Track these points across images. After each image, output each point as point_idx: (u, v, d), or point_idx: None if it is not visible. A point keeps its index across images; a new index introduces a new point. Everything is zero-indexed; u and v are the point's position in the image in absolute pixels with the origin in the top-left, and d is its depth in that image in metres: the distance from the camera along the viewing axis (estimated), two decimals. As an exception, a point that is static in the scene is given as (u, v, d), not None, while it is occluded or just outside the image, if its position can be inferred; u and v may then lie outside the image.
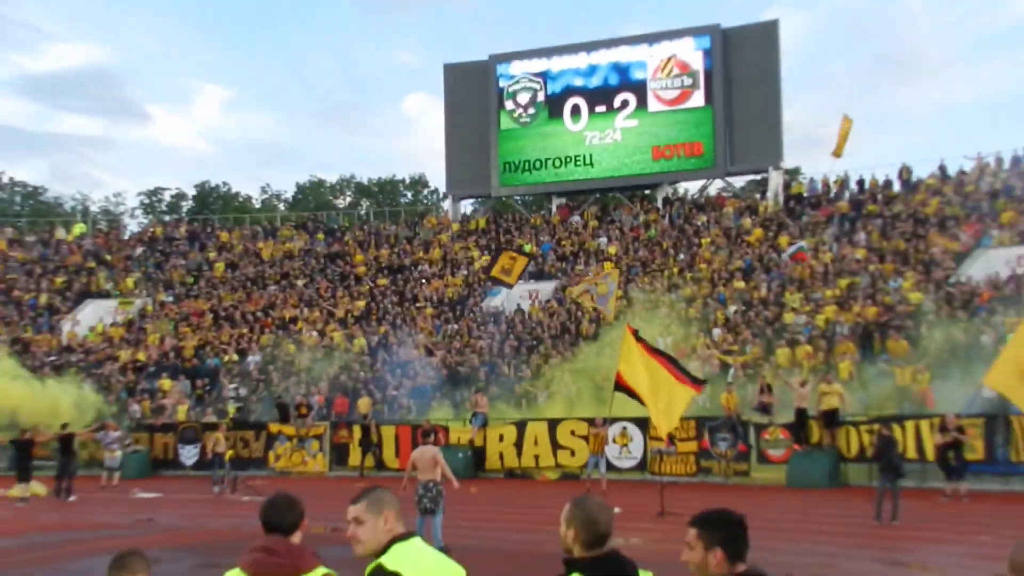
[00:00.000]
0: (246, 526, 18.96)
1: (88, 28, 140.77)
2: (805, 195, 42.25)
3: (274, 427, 30.32)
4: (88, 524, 20.32)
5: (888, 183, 40.41)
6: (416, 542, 4.23)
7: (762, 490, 23.01)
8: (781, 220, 39.73)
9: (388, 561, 4.03)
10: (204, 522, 20.38)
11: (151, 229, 54.60)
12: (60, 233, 51.75)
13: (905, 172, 40.34)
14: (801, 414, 24.27)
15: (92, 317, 42.18)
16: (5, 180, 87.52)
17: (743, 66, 43.25)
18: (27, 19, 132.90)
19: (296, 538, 4.79)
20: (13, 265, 46.85)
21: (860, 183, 40.89)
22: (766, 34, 43.93)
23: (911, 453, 22.41)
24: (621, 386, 19.54)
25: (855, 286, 32.30)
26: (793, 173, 50.34)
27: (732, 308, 33.03)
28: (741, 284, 34.63)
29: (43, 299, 43.56)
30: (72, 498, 24.48)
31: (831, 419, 24.07)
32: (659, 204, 44.70)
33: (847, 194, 40.41)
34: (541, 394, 30.76)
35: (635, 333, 19.72)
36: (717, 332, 31.71)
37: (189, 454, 30.83)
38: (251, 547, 4.72)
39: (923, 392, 26.00)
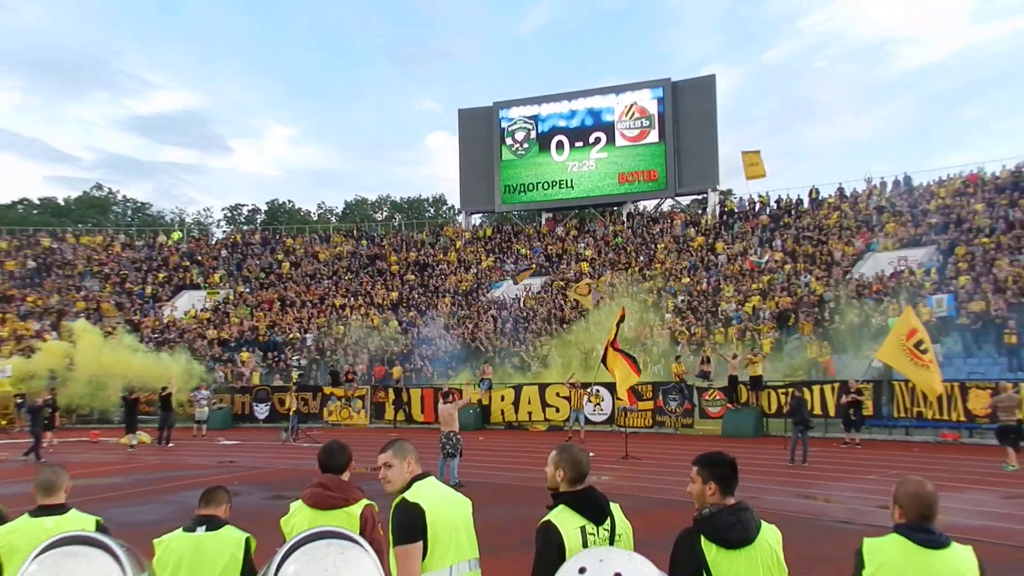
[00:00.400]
0: (306, 466, 18.96)
1: (185, 79, 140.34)
2: (736, 211, 42.11)
3: (327, 389, 30.24)
4: (182, 465, 20.25)
5: (800, 201, 40.23)
6: (432, 480, 4.21)
7: (703, 439, 22.95)
8: (717, 230, 39.63)
9: (410, 495, 4.02)
10: (273, 463, 20.31)
11: (233, 236, 54.43)
12: (162, 239, 51.57)
13: (813, 192, 40.18)
14: (733, 380, 24.23)
15: (186, 304, 42.07)
16: (120, 197, 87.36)
17: (688, 111, 43.10)
18: (138, 73, 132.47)
19: (345, 476, 4.82)
20: (125, 263, 46.70)
21: (778, 201, 40.71)
22: (705, 86, 43.73)
23: (817, 410, 22.42)
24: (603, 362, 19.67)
25: (774, 281, 32.23)
26: (727, 194, 50.17)
27: (680, 298, 32.97)
28: (687, 280, 34.55)
29: (149, 290, 43.43)
30: (170, 445, 24.38)
31: (756, 384, 24.06)
32: (624, 218, 44.57)
33: (768, 210, 40.29)
34: (534, 363, 30.70)
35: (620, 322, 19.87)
36: (668, 317, 31.64)
37: (261, 411, 30.78)
38: (310, 483, 4.74)
39: (826, 363, 25.98)
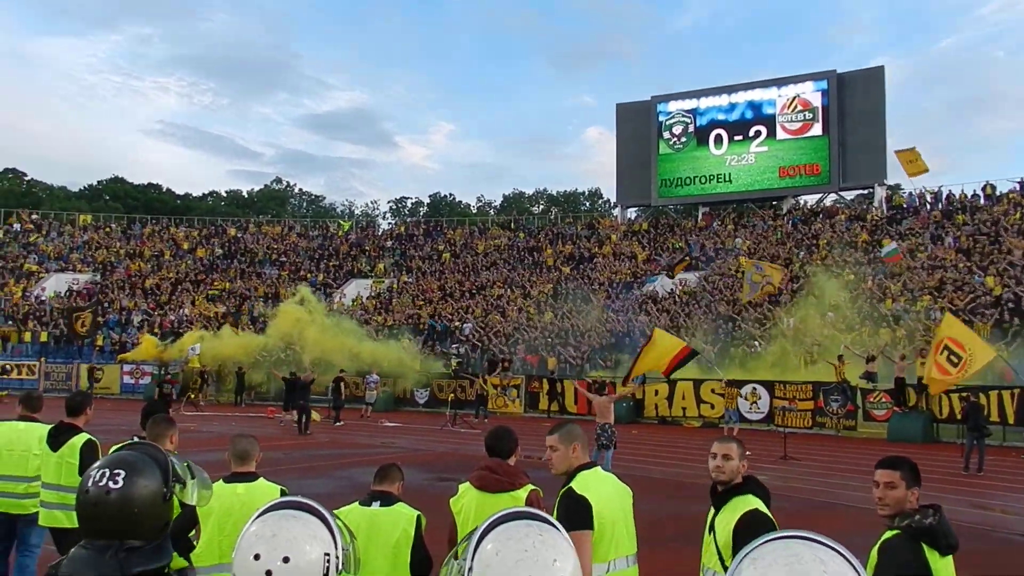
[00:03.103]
0: (463, 450, 19.34)
1: (357, 81, 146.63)
2: (905, 206, 39.79)
3: (484, 377, 30.67)
4: (348, 444, 21.01)
5: (975, 196, 37.59)
6: (598, 471, 4.20)
7: (866, 442, 21.78)
8: (883, 226, 37.56)
9: (576, 486, 3.99)
10: (433, 446, 20.79)
11: (398, 227, 56.25)
12: (333, 229, 53.95)
13: (988, 188, 37.43)
14: (900, 382, 22.83)
15: (354, 291, 43.76)
16: (296, 190, 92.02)
17: (854, 103, 41.11)
18: (316, 75, 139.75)
19: (512, 461, 4.82)
20: (300, 252, 49.15)
21: (949, 197, 38.21)
22: (874, 77, 41.60)
23: (994, 417, 20.81)
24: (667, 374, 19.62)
25: (945, 279, 30.17)
26: (894, 188, 47.45)
27: (843, 295, 31.36)
28: (851, 276, 32.86)
29: (320, 277, 45.47)
30: (340, 423, 25.34)
31: (925, 386, 22.57)
32: (784, 212, 43.06)
33: (940, 205, 37.82)
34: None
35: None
36: (830, 316, 30.19)
37: (421, 395, 31.54)
38: (478, 466, 4.77)
39: (1003, 368, 24.08)
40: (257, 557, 1.80)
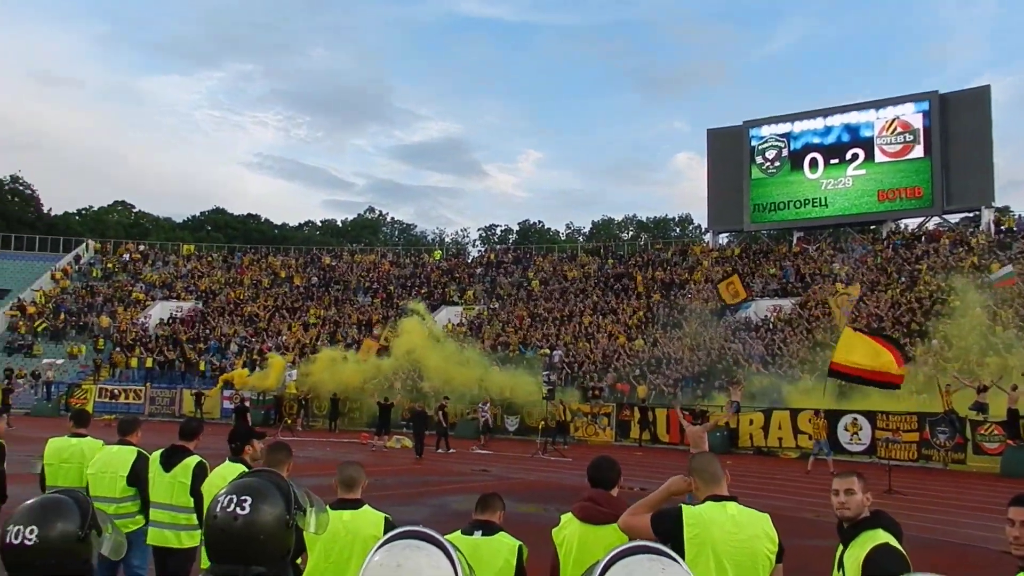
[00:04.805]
0: (554, 479, 19.22)
1: (446, 111, 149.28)
2: (1015, 228, 38.06)
3: (574, 405, 30.51)
4: (440, 471, 21.01)
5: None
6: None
7: (978, 477, 20.74)
8: (991, 250, 35.97)
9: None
10: (524, 474, 20.66)
11: (487, 255, 56.71)
12: (425, 257, 54.76)
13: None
14: (1013, 414, 21.68)
15: (444, 318, 44.16)
16: (388, 219, 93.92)
17: (959, 124, 39.66)
18: (407, 107, 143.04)
19: (615, 492, 4.76)
20: (393, 280, 50.00)
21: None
22: (979, 97, 40.12)
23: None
24: (836, 372, 18.20)
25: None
26: (1003, 211, 45.43)
27: (948, 321, 30.07)
28: (957, 302, 31.46)
29: (411, 304, 46.08)
30: (451, 451, 25.04)
31: (1042, 419, 21.39)
32: (883, 236, 41.73)
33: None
34: (785, 386, 29.25)
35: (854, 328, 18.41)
36: (935, 343, 29.00)
37: (511, 423, 31.54)
38: (581, 497, 4.73)
39: None
40: None
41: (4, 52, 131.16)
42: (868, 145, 41.93)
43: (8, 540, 2.20)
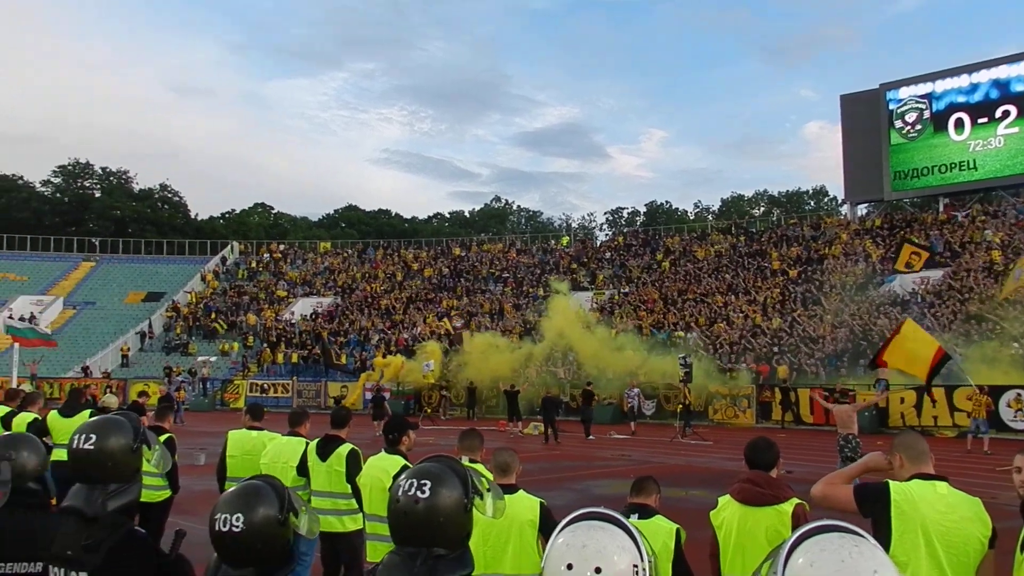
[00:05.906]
0: (696, 463, 18.96)
1: (565, 95, 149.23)
2: None
3: (712, 387, 29.98)
4: (581, 456, 21.07)
5: None
6: None
7: None
8: None
9: None
10: (664, 458, 20.47)
11: (615, 238, 56.35)
12: (552, 243, 54.95)
13: None
14: None
15: (575, 304, 44.00)
16: (514, 207, 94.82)
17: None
18: (526, 94, 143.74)
19: (774, 473, 4.70)
20: (522, 267, 50.40)
21: None
22: None
23: None
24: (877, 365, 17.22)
25: None
26: None
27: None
28: None
29: (542, 292, 46.31)
30: (591, 438, 24.87)
31: None
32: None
33: None
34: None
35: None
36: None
37: (648, 407, 31.25)
38: (739, 479, 4.69)
39: None
40: (570, 567, 1.84)
41: (147, 67, 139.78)
42: (1020, 101, 39.12)
43: (217, 528, 2.38)
